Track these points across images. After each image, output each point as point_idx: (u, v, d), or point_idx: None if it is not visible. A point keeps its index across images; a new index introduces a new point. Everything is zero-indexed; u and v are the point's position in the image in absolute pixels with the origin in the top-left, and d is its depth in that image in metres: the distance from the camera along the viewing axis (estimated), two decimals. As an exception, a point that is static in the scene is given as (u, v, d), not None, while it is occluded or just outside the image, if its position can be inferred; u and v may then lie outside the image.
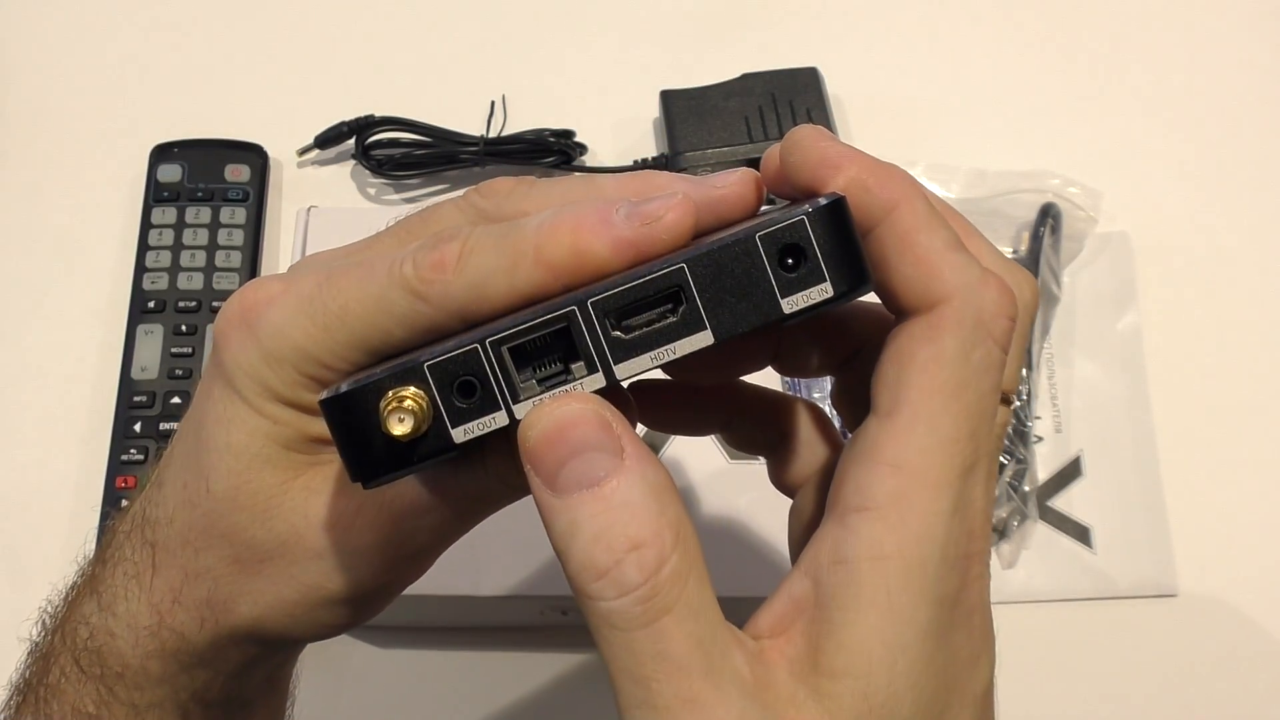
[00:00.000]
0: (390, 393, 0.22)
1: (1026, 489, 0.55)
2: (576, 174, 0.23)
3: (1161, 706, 0.53)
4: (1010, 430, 0.56)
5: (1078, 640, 0.54)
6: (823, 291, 0.22)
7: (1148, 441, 0.58)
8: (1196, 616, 0.55)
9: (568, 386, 0.22)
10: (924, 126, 0.65)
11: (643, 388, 0.30)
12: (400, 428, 0.22)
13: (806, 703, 0.21)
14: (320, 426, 0.26)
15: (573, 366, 0.23)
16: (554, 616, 0.51)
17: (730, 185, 0.25)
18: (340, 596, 0.27)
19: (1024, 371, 0.57)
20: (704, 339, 0.22)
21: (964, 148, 0.64)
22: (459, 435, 0.23)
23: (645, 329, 0.22)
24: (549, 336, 0.22)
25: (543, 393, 0.22)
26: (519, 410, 0.22)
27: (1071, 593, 0.54)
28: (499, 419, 0.23)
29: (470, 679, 0.53)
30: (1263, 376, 0.59)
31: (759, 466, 0.49)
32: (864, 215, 0.23)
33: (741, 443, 0.32)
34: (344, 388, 0.23)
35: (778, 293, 0.22)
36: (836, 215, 0.22)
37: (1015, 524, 0.55)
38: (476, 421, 0.23)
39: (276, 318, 0.25)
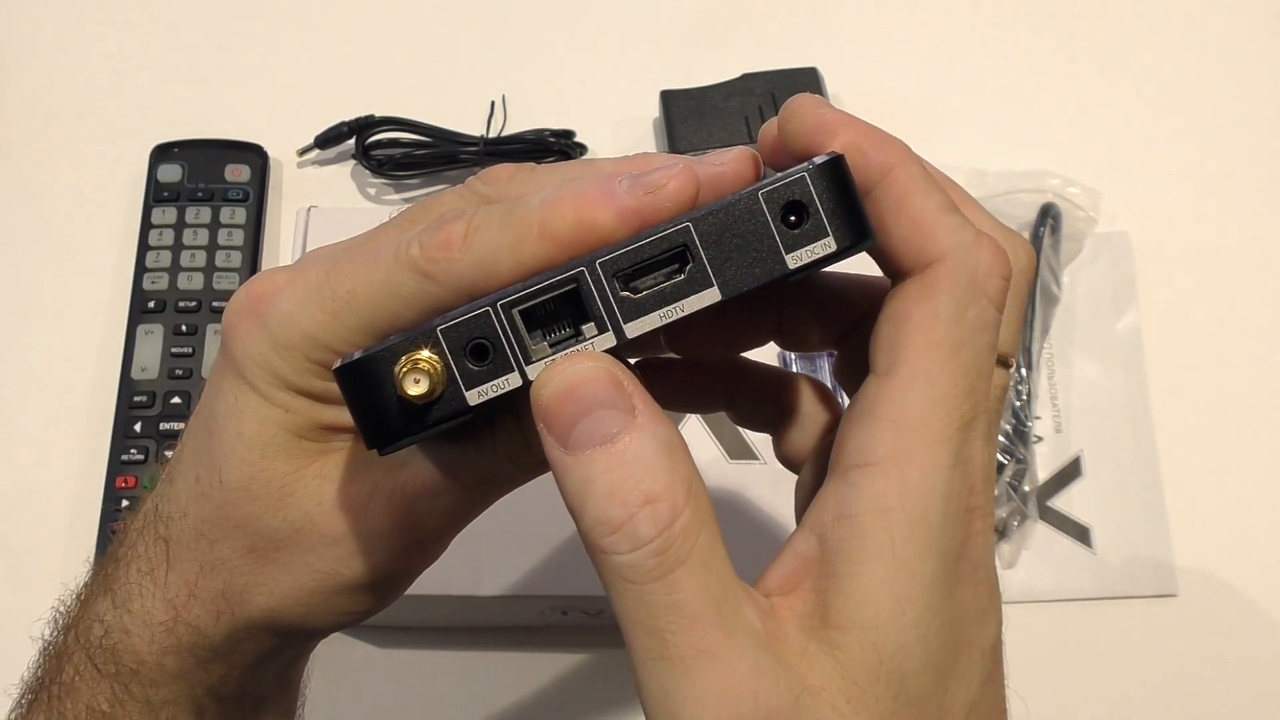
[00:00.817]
0: (404, 356, 0.23)
1: (1026, 489, 0.55)
2: (575, 160, 0.23)
3: (1161, 706, 0.53)
4: (1010, 430, 0.56)
5: (1078, 640, 0.54)
6: (826, 246, 0.23)
7: (1148, 441, 0.58)
8: (1196, 616, 0.55)
9: (579, 346, 0.23)
10: (924, 126, 0.65)
11: (648, 365, 0.30)
12: (415, 389, 0.22)
13: (818, 655, 0.22)
14: (332, 414, 0.26)
15: (583, 328, 0.23)
16: (554, 616, 0.51)
17: (728, 162, 0.25)
18: (356, 583, 0.28)
19: (1024, 371, 0.57)
20: (711, 296, 0.23)
21: (964, 148, 0.64)
22: (473, 397, 0.23)
23: (653, 288, 0.23)
24: (559, 299, 0.23)
25: (554, 354, 0.23)
26: (531, 371, 0.23)
27: (1071, 593, 0.54)
28: (512, 380, 0.23)
29: (470, 679, 0.53)
30: (1263, 376, 0.59)
31: (759, 466, 0.49)
32: (860, 178, 0.24)
33: (745, 419, 0.32)
34: (358, 355, 0.23)
35: (782, 248, 0.23)
36: (836, 171, 0.23)
37: (1015, 524, 0.55)
38: (490, 384, 0.23)
39: (285, 306, 0.25)
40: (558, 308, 0.23)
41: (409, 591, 0.30)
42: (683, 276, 0.23)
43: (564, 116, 0.63)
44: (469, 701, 0.53)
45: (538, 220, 0.23)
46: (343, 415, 0.26)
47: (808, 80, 0.63)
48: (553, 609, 0.49)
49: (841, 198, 0.23)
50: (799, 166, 0.23)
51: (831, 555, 0.23)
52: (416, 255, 0.24)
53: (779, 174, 0.23)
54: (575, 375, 0.22)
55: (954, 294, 0.23)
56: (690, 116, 0.62)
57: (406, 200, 0.64)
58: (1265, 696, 0.53)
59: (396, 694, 0.53)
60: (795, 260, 0.23)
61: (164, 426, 0.55)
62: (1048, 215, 0.60)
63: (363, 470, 0.27)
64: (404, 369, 0.23)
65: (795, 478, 0.31)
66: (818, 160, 0.23)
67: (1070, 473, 0.57)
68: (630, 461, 0.21)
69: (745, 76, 0.63)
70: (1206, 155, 0.65)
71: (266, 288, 0.26)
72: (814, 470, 0.30)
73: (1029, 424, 0.57)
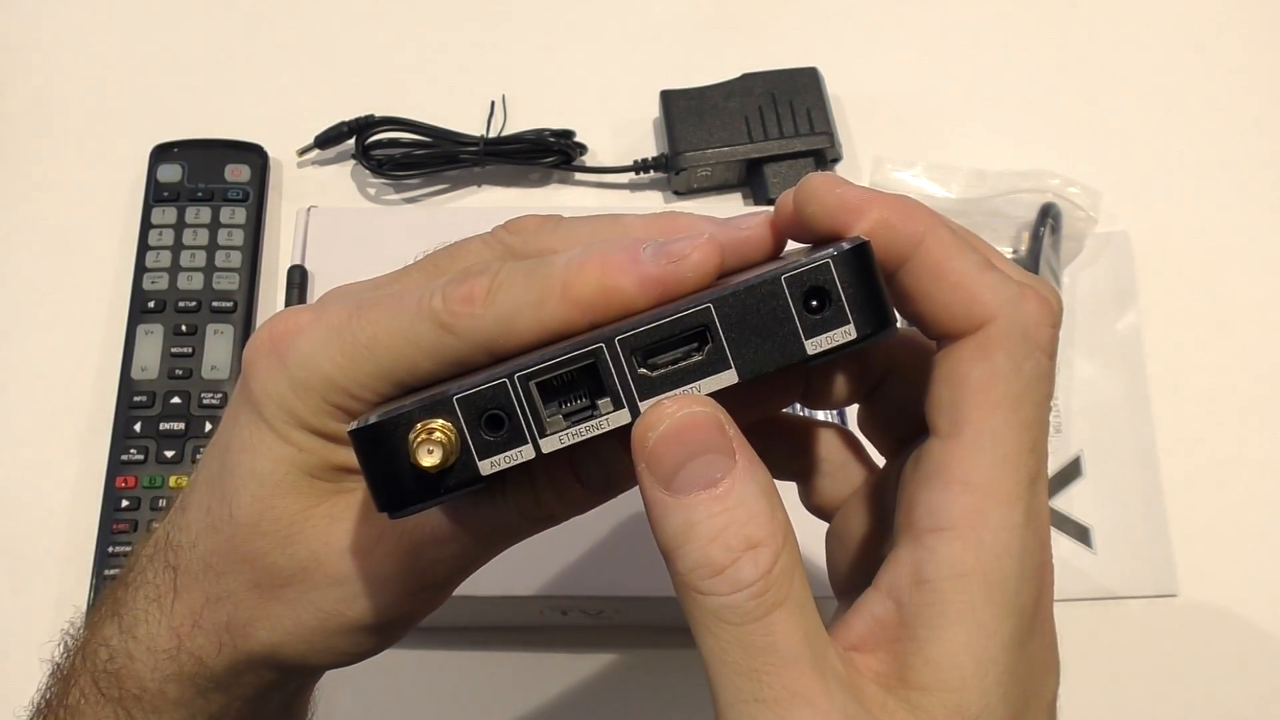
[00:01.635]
0: (419, 424, 0.23)
1: (1026, 489, 0.55)
2: (604, 214, 0.23)
3: (1162, 707, 0.53)
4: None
5: (1078, 640, 0.54)
6: (846, 334, 0.23)
7: (1148, 441, 0.58)
8: (1196, 616, 0.55)
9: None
10: (924, 126, 0.65)
11: None
12: (429, 459, 0.22)
13: (898, 711, 0.22)
14: (345, 455, 0.27)
15: (599, 402, 0.23)
16: (554, 616, 0.51)
17: (754, 227, 0.25)
18: (358, 624, 0.28)
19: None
20: (729, 378, 0.23)
21: (964, 148, 0.64)
22: (486, 468, 0.23)
23: (671, 366, 0.23)
24: (576, 372, 0.23)
25: (569, 427, 0.23)
26: (545, 445, 0.23)
27: (1071, 593, 0.54)
28: (525, 452, 0.23)
29: (470, 679, 0.53)
30: (1263, 376, 0.59)
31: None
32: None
33: (775, 470, 0.32)
34: (373, 419, 0.23)
35: (802, 334, 0.23)
36: (861, 259, 0.23)
37: (1015, 524, 0.55)
38: (503, 455, 0.23)
39: (306, 347, 0.26)
40: (574, 379, 0.23)
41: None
42: (701, 356, 0.23)
43: (564, 116, 0.63)
44: (468, 701, 0.53)
45: (561, 282, 0.24)
46: (355, 458, 0.27)
47: (808, 80, 0.63)
48: (553, 609, 0.49)
49: (864, 286, 0.23)
50: (823, 252, 0.23)
51: (911, 619, 0.23)
52: (439, 308, 0.24)
53: (803, 255, 0.23)
54: (686, 419, 0.22)
55: (1009, 351, 0.24)
56: (690, 116, 0.62)
57: (406, 200, 0.64)
58: (1266, 697, 0.53)
59: (395, 694, 0.53)
60: (815, 346, 0.23)
61: (164, 426, 0.55)
62: (1048, 215, 0.60)
63: (372, 514, 0.27)
64: (418, 438, 0.23)
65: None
66: (844, 245, 0.23)
67: (1070, 473, 0.57)
68: (734, 506, 0.22)
69: (745, 76, 0.63)
70: (1206, 155, 0.65)
71: (289, 326, 0.26)
72: (849, 518, 0.30)
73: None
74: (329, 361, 0.25)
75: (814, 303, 0.23)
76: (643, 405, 0.23)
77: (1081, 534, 0.56)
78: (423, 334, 0.24)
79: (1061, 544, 0.55)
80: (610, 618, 0.51)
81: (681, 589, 0.22)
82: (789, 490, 0.28)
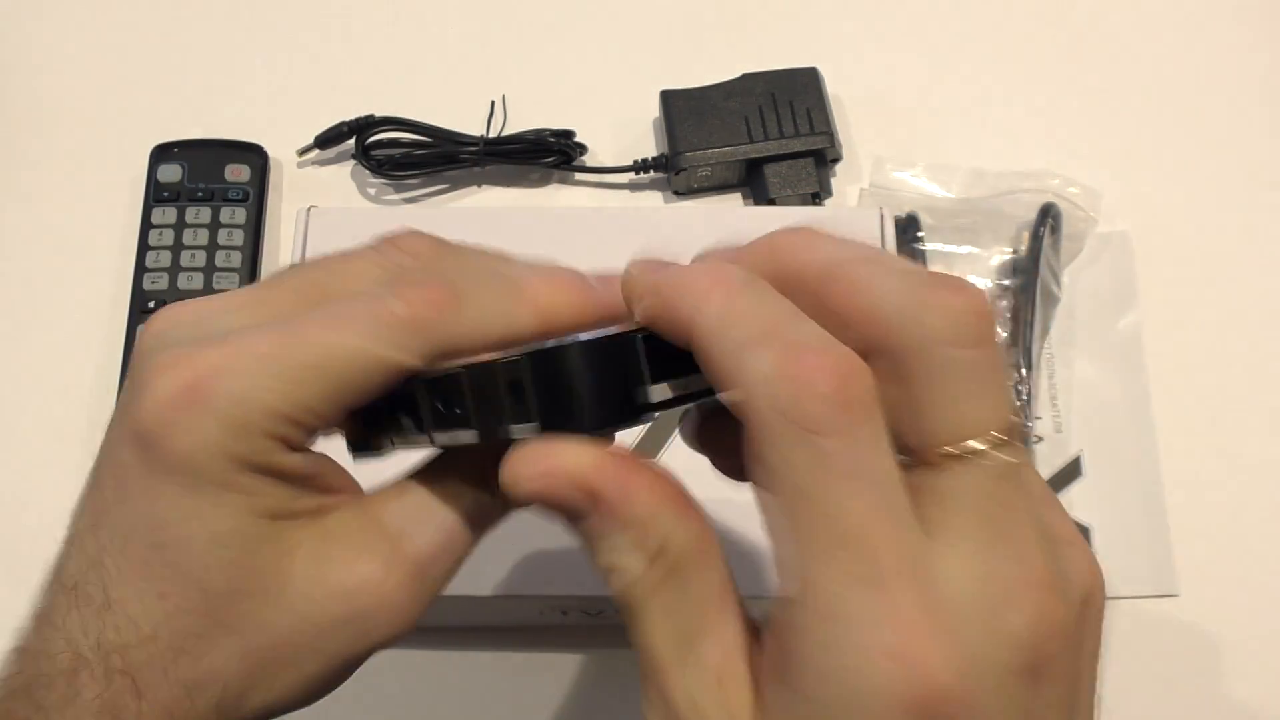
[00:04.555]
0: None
1: (1026, 489, 0.55)
2: (491, 250, 0.23)
3: (1162, 707, 0.53)
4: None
5: (1078, 640, 0.54)
6: (531, 430, 0.23)
7: (1148, 441, 0.58)
8: (1197, 616, 0.55)
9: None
10: (924, 126, 0.65)
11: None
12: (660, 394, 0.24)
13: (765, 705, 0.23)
14: (296, 491, 0.26)
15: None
16: (554, 616, 0.51)
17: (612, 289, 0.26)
18: (367, 654, 0.27)
19: (1024, 371, 0.57)
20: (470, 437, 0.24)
21: (964, 147, 0.64)
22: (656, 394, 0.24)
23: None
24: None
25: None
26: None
27: (1072, 593, 0.54)
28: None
29: (470, 679, 0.53)
30: (1263, 376, 0.59)
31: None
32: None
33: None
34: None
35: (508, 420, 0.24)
36: (552, 361, 0.23)
37: (1015, 524, 0.55)
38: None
39: (236, 384, 0.24)
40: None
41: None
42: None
43: (564, 116, 0.63)
44: (468, 701, 0.53)
45: (532, 294, 0.25)
46: (308, 493, 0.26)
47: (808, 80, 0.63)
48: (553, 609, 0.49)
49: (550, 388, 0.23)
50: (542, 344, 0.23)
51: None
52: (402, 314, 0.24)
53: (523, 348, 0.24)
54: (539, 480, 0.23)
55: (771, 442, 0.21)
56: (690, 116, 0.62)
57: (406, 200, 0.64)
58: (1266, 697, 0.53)
59: (395, 694, 0.53)
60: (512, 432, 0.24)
61: (164, 426, 0.55)
62: (1048, 215, 0.60)
63: (370, 544, 0.26)
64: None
65: None
66: (548, 345, 0.23)
67: (1070, 473, 0.57)
68: (595, 540, 0.23)
69: (745, 76, 0.63)
70: (1207, 155, 0.65)
71: (198, 372, 0.24)
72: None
73: (1029, 424, 0.57)
74: (269, 392, 0.24)
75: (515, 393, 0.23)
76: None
77: (1081, 534, 0.56)
78: (387, 341, 0.24)
79: (1061, 544, 0.55)
80: (610, 618, 0.51)
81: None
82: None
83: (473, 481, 0.27)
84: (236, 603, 0.25)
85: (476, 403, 0.24)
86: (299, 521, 0.26)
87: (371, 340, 0.24)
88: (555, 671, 0.53)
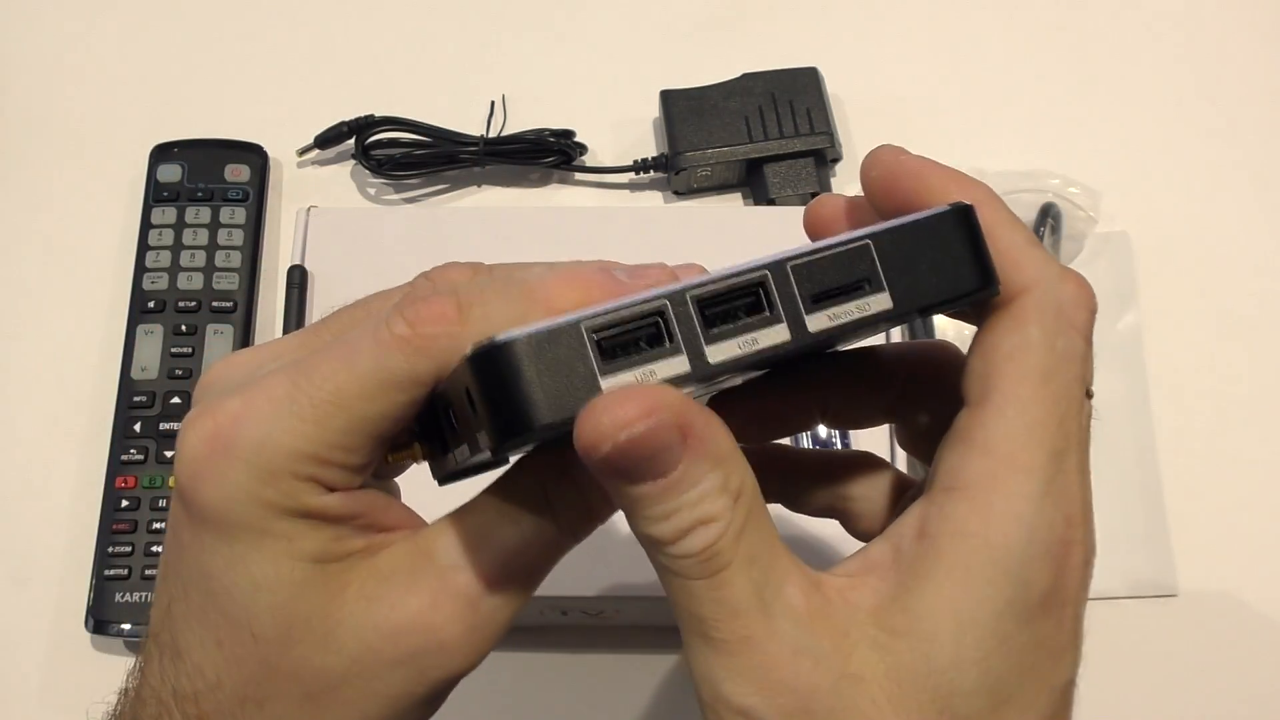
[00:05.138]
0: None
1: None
2: (531, 263, 0.23)
3: (1161, 707, 0.53)
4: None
5: (1078, 640, 0.54)
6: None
7: (1148, 441, 0.58)
8: (1197, 616, 0.55)
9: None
10: (924, 126, 0.65)
11: None
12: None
13: (865, 649, 0.22)
14: (335, 530, 0.25)
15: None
16: (554, 616, 0.51)
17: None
18: (429, 695, 0.26)
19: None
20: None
21: (964, 148, 0.64)
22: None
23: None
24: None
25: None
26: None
27: (1071, 593, 0.54)
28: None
29: (469, 679, 0.53)
30: (1263, 376, 0.59)
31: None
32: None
33: (804, 507, 0.32)
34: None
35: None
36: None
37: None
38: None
39: (255, 431, 0.24)
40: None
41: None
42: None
43: (564, 116, 0.63)
44: (468, 701, 0.53)
45: (544, 295, 0.24)
46: (356, 532, 0.25)
47: (808, 80, 0.63)
48: (553, 609, 0.49)
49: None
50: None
51: (902, 566, 0.23)
52: (405, 333, 0.23)
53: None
54: (630, 443, 0.21)
55: (1043, 324, 0.24)
56: (690, 116, 0.62)
57: (406, 200, 0.64)
58: (1266, 697, 0.53)
59: (396, 694, 0.53)
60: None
61: (164, 426, 0.55)
62: (1048, 215, 0.60)
63: (419, 582, 0.25)
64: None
65: None
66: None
67: (1070, 473, 0.57)
68: (684, 490, 0.21)
69: (745, 76, 0.63)
70: (1207, 155, 0.65)
71: (220, 420, 0.24)
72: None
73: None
74: (289, 434, 0.23)
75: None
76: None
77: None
78: (394, 365, 0.23)
79: (1061, 544, 0.55)
80: (610, 618, 0.51)
81: (639, 539, 0.23)
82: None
83: (531, 506, 0.26)
84: (289, 648, 0.25)
85: (459, 410, 0.23)
86: (348, 562, 0.25)
87: (376, 365, 0.23)
88: (555, 671, 0.53)
